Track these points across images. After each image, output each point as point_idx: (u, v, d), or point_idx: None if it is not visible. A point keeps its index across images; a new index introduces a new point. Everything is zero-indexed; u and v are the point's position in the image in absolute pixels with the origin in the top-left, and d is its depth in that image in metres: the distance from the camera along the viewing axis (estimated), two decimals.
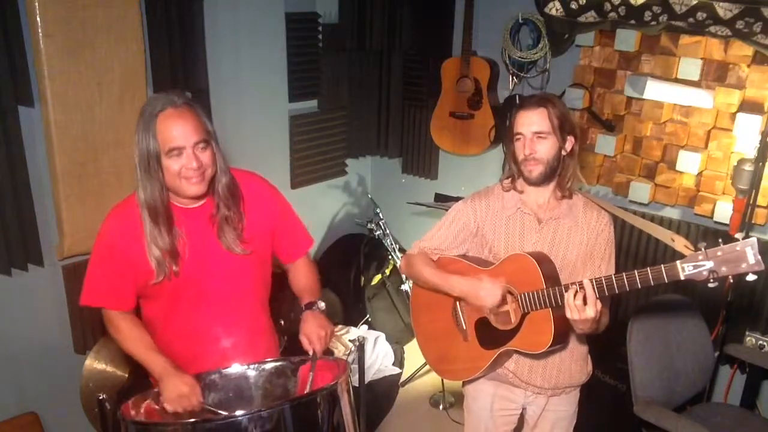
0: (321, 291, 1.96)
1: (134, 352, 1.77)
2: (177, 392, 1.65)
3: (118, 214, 1.75)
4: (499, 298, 1.88)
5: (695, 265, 1.58)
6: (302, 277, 1.98)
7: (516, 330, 1.89)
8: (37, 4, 2.34)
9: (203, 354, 1.84)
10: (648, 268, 1.64)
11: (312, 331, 1.78)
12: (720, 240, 1.57)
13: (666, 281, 1.63)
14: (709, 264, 1.56)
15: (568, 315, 1.72)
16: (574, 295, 1.70)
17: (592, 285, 1.69)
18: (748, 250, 1.52)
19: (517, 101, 3.34)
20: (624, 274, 1.68)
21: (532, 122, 1.85)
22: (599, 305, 1.70)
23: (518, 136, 1.88)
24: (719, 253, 1.55)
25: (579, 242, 1.92)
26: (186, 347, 1.83)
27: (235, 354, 1.86)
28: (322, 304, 1.87)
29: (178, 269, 1.72)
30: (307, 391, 1.70)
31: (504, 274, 1.90)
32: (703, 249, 1.57)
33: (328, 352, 1.83)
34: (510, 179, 1.99)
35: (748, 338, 2.82)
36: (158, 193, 1.65)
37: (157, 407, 1.70)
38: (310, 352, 1.77)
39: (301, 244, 2.00)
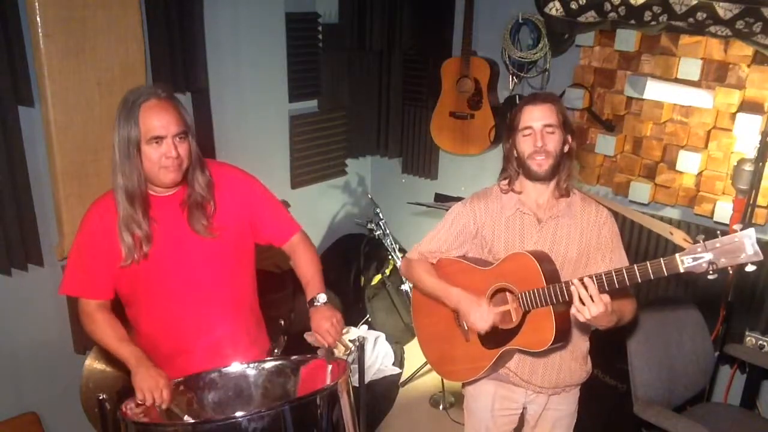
0: (322, 283, 1.96)
1: (109, 343, 1.80)
2: (149, 382, 1.68)
3: (98, 207, 1.80)
4: (487, 328, 1.89)
5: (694, 257, 1.57)
6: (302, 265, 1.99)
7: (517, 329, 1.89)
8: (37, 4, 2.34)
9: (185, 344, 1.86)
10: (647, 262, 1.64)
11: (318, 325, 1.81)
12: (718, 232, 1.57)
13: (666, 274, 1.62)
14: (708, 256, 1.56)
15: (581, 319, 1.71)
16: (577, 296, 1.69)
17: (593, 281, 1.69)
18: (746, 240, 1.52)
19: (518, 101, 3.36)
20: (624, 268, 1.68)
21: (542, 116, 1.85)
22: (607, 298, 1.69)
23: (527, 131, 1.86)
24: (718, 245, 1.55)
25: (579, 239, 1.92)
26: (167, 338, 1.86)
27: (214, 342, 1.87)
28: (322, 297, 1.88)
29: (148, 252, 1.75)
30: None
31: (504, 273, 1.90)
32: (701, 241, 1.57)
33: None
34: (507, 181, 1.98)
35: (748, 338, 2.82)
36: (137, 179, 1.70)
37: (155, 408, 1.70)
38: (324, 346, 1.81)
39: (287, 226, 2.02)
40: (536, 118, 1.85)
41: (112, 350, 1.79)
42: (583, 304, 1.68)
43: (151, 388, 1.67)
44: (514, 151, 1.92)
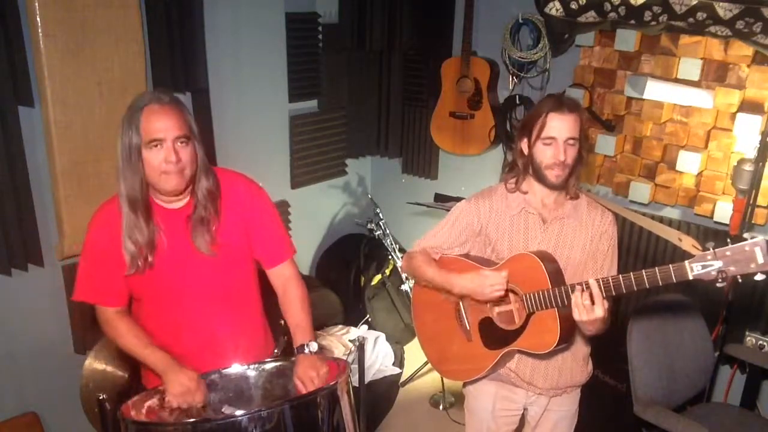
0: (312, 328, 1.89)
1: (134, 349, 1.78)
2: (182, 387, 1.68)
3: (103, 212, 1.78)
4: (504, 287, 1.86)
5: (704, 265, 1.56)
6: (292, 306, 1.91)
7: (521, 330, 1.89)
8: (37, 4, 2.34)
9: (187, 347, 1.85)
10: (656, 268, 1.62)
11: (304, 373, 1.76)
12: (728, 240, 1.56)
13: (674, 281, 1.60)
14: (718, 264, 1.54)
15: (576, 317, 1.70)
16: (581, 295, 1.69)
17: (599, 285, 1.68)
18: (757, 250, 1.50)
19: (518, 101, 3.37)
20: (632, 273, 1.66)
21: (568, 128, 1.80)
22: (607, 304, 1.68)
23: (549, 141, 1.82)
24: (728, 253, 1.53)
25: (584, 242, 1.92)
26: (170, 340, 1.85)
27: (217, 346, 1.87)
28: (314, 346, 1.82)
29: (153, 262, 1.74)
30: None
31: (508, 274, 1.89)
32: (711, 249, 1.55)
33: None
34: (515, 180, 1.96)
35: (748, 338, 2.82)
36: (138, 186, 1.68)
37: (157, 407, 1.70)
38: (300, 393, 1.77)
39: (280, 251, 1.93)
40: (562, 129, 1.80)
41: (139, 358, 1.79)
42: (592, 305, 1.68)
43: (184, 394, 1.68)
44: (531, 156, 1.87)
